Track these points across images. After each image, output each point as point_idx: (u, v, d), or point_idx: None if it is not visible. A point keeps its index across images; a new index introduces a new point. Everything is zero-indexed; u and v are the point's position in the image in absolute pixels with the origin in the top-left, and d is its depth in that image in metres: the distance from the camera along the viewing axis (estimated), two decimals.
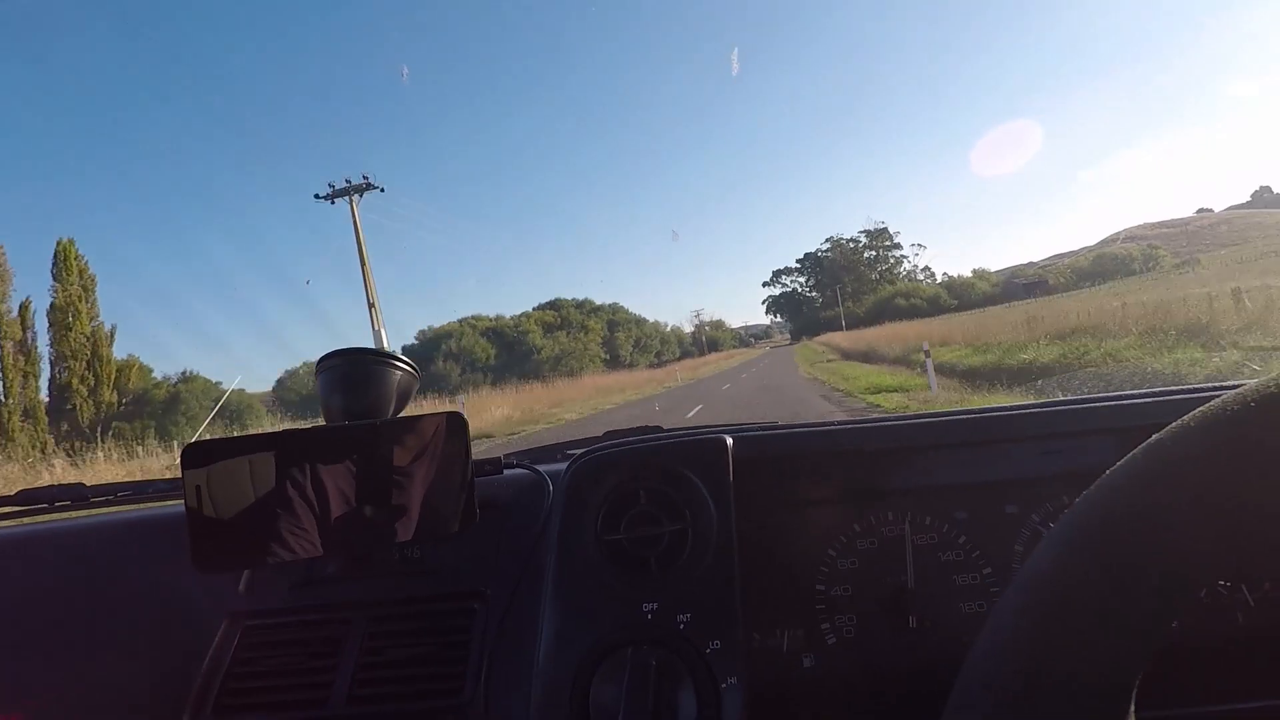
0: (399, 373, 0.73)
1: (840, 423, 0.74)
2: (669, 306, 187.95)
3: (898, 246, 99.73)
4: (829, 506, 0.68)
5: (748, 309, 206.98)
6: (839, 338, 52.97)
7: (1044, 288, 70.30)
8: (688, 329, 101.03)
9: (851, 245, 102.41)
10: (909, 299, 73.66)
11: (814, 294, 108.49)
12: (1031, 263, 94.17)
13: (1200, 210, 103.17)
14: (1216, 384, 0.74)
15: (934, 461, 0.68)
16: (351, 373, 0.71)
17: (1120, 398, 0.71)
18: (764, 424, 0.80)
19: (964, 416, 0.71)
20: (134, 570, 0.79)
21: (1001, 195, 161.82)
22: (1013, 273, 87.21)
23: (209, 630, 0.72)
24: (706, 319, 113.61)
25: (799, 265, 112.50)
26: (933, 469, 0.68)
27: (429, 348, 56.13)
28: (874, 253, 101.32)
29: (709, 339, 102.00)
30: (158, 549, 0.80)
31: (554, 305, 63.77)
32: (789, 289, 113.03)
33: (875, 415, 0.83)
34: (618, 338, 61.80)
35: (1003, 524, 0.67)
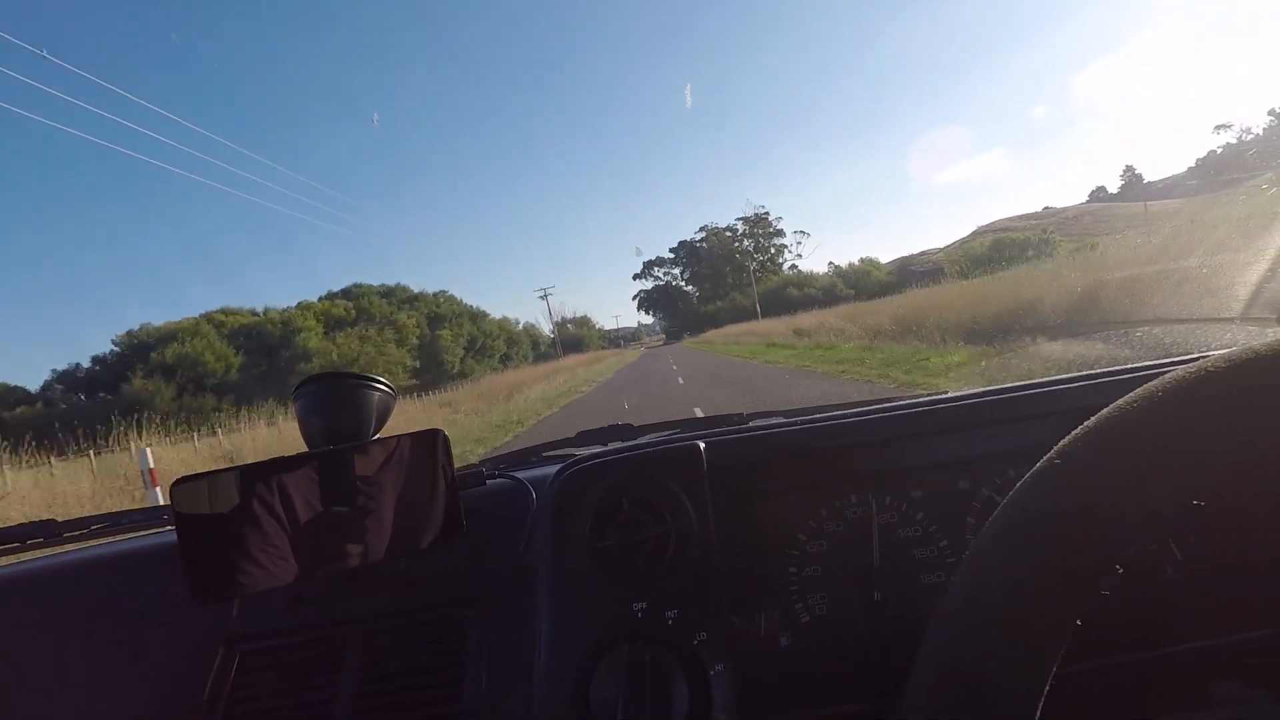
0: (377, 393, 0.75)
1: (803, 419, 0.79)
2: (532, 304, 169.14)
3: (779, 234, 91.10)
4: (796, 494, 0.72)
5: (619, 307, 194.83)
6: (729, 334, 45.63)
7: (940, 274, 63.56)
8: (547, 327, 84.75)
9: (729, 234, 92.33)
10: (802, 289, 63.81)
11: (690, 287, 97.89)
12: (925, 252, 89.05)
13: (1046, 208, 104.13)
14: (1148, 364, 0.79)
15: (891, 448, 0.73)
16: (331, 396, 0.73)
17: (1057, 382, 0.77)
18: (732, 420, 0.88)
19: (921, 408, 0.75)
20: (120, 607, 0.77)
21: (877, 190, 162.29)
22: (904, 262, 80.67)
23: (206, 660, 0.71)
24: (570, 315, 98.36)
25: (673, 256, 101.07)
26: (891, 454, 0.73)
27: (133, 357, 35.82)
28: (753, 241, 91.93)
29: (571, 338, 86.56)
30: (142, 582, 0.78)
31: (349, 294, 45.25)
32: (662, 282, 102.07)
33: (835, 407, 0.84)
34: (441, 337, 44.40)
35: (956, 499, 0.71)
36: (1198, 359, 0.31)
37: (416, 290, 48.01)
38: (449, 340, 44.78)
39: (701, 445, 0.70)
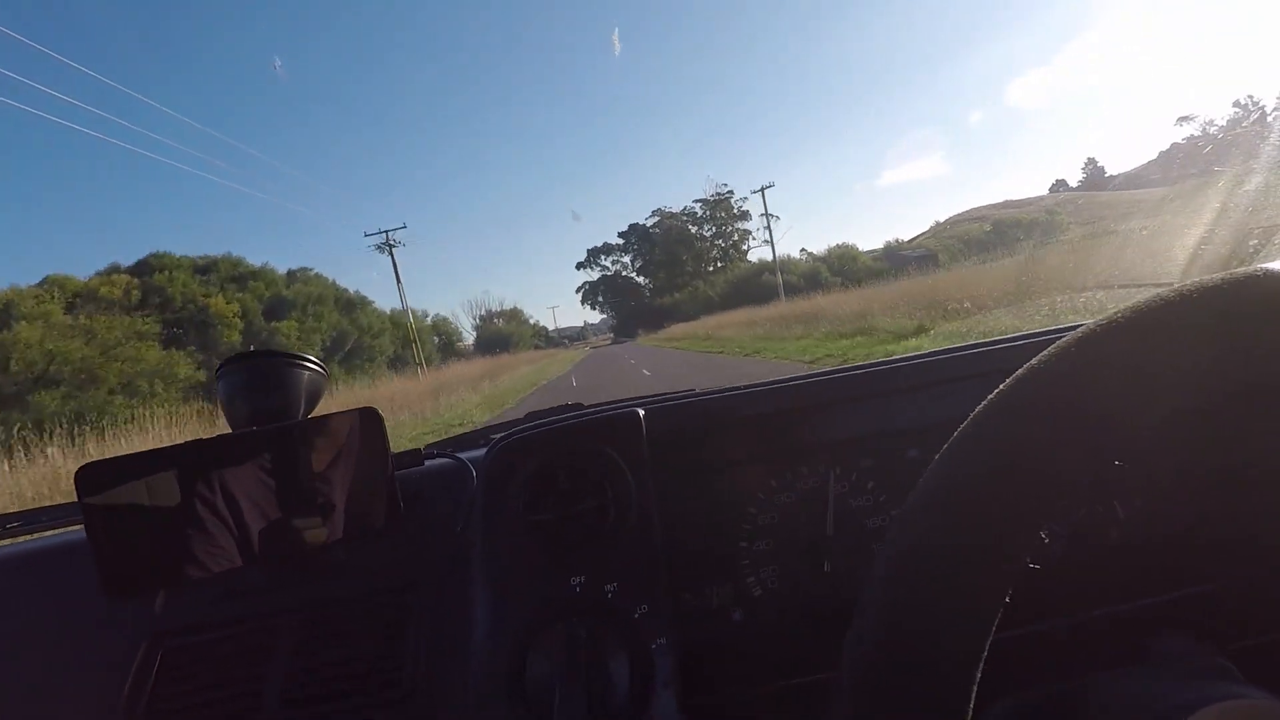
0: (307, 373, 0.72)
1: (747, 387, 0.77)
2: (457, 292, 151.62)
3: (744, 216, 79.45)
4: (745, 466, 0.71)
5: (562, 302, 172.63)
6: (708, 326, 37.53)
7: (934, 260, 53.28)
8: (468, 321, 70.03)
9: (685, 218, 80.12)
10: (779, 275, 52.04)
11: (642, 278, 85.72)
12: (897, 241, 79.11)
13: (1007, 200, 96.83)
14: (1066, 325, 0.78)
15: (839, 416, 0.72)
16: (257, 376, 0.70)
17: (991, 344, 0.77)
18: (680, 393, 0.84)
19: (861, 371, 0.75)
20: (34, 608, 0.74)
21: (828, 185, 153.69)
22: (892, 248, 70.25)
23: (127, 658, 0.68)
24: (496, 307, 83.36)
25: (622, 241, 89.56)
26: (839, 423, 0.72)
27: None
28: (714, 226, 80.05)
29: (496, 336, 71.46)
30: (58, 581, 0.75)
31: (143, 267, 30.04)
32: (610, 271, 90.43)
33: (781, 377, 0.80)
34: (280, 330, 29.75)
35: (905, 468, 0.70)
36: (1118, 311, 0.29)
37: (258, 265, 33.07)
38: (292, 335, 30.02)
39: (641, 412, 0.69)
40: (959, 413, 0.64)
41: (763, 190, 52.30)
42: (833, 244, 63.53)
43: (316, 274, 35.81)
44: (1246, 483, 0.65)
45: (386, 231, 37.84)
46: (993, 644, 0.26)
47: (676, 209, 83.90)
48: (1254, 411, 0.59)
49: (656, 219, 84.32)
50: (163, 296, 28.00)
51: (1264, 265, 0.26)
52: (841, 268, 57.57)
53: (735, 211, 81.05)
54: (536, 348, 68.31)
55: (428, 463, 0.77)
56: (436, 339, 49.20)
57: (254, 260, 33.81)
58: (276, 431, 0.63)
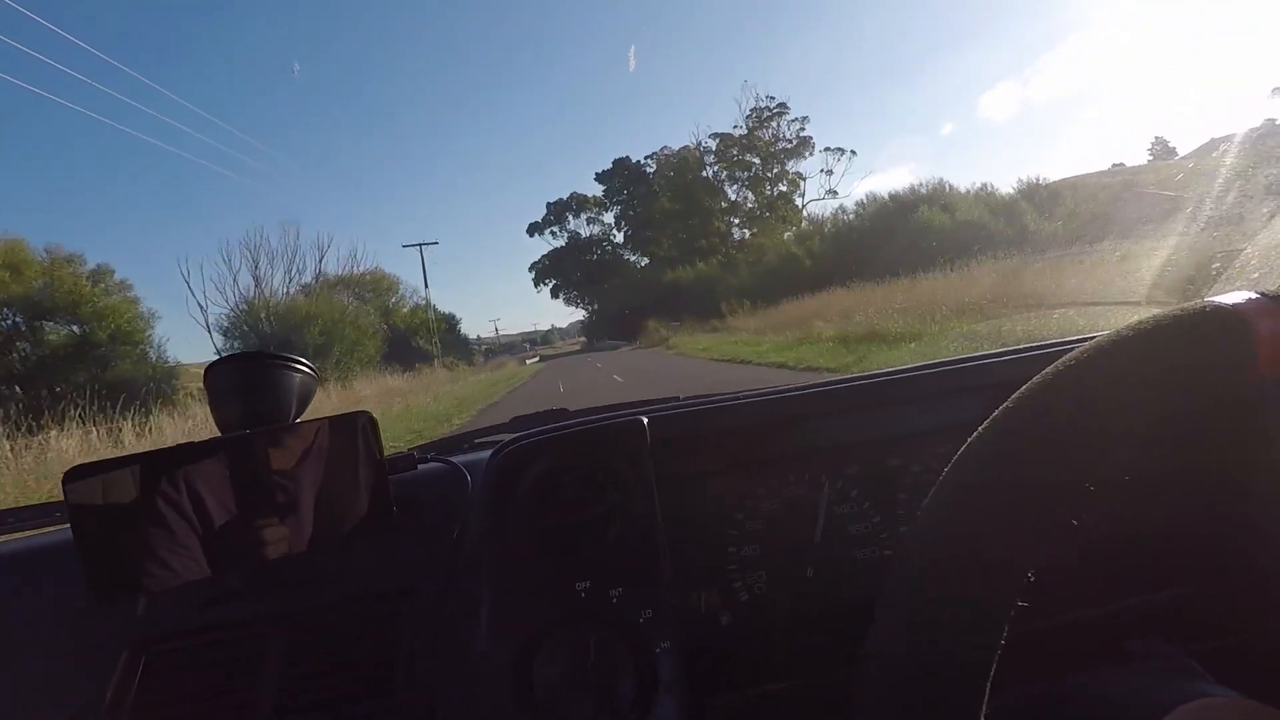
0: (299, 375, 0.71)
1: (736, 396, 0.80)
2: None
3: (802, 149, 50.49)
4: (736, 473, 0.72)
5: (501, 320, 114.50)
6: None
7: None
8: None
9: (708, 149, 50.98)
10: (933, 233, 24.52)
11: (634, 254, 55.47)
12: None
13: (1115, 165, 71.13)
14: (1065, 340, 0.82)
15: (825, 425, 0.74)
16: (247, 378, 0.69)
17: (982, 357, 0.80)
18: (667, 401, 0.88)
19: (850, 384, 0.78)
20: (8, 610, 0.72)
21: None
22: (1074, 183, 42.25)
23: (110, 665, 0.66)
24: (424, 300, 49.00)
25: (603, 190, 55.47)
26: (825, 432, 0.74)
27: None
28: (758, 161, 50.28)
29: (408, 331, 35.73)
30: (35, 583, 0.73)
31: None
32: (582, 238, 57.51)
33: (770, 387, 0.83)
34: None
35: (887, 476, 0.73)
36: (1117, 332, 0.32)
37: None
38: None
39: (645, 420, 0.70)
40: (938, 424, 0.69)
41: (836, 151, 26.69)
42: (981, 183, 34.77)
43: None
44: (1213, 491, 0.68)
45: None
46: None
47: (694, 142, 51.95)
48: (1216, 425, 0.62)
49: (662, 155, 52.85)
50: None
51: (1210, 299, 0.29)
52: (1020, 214, 29.78)
53: (788, 140, 49.43)
54: (452, 364, 34.63)
55: (420, 467, 0.77)
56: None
57: None
58: (268, 434, 0.63)
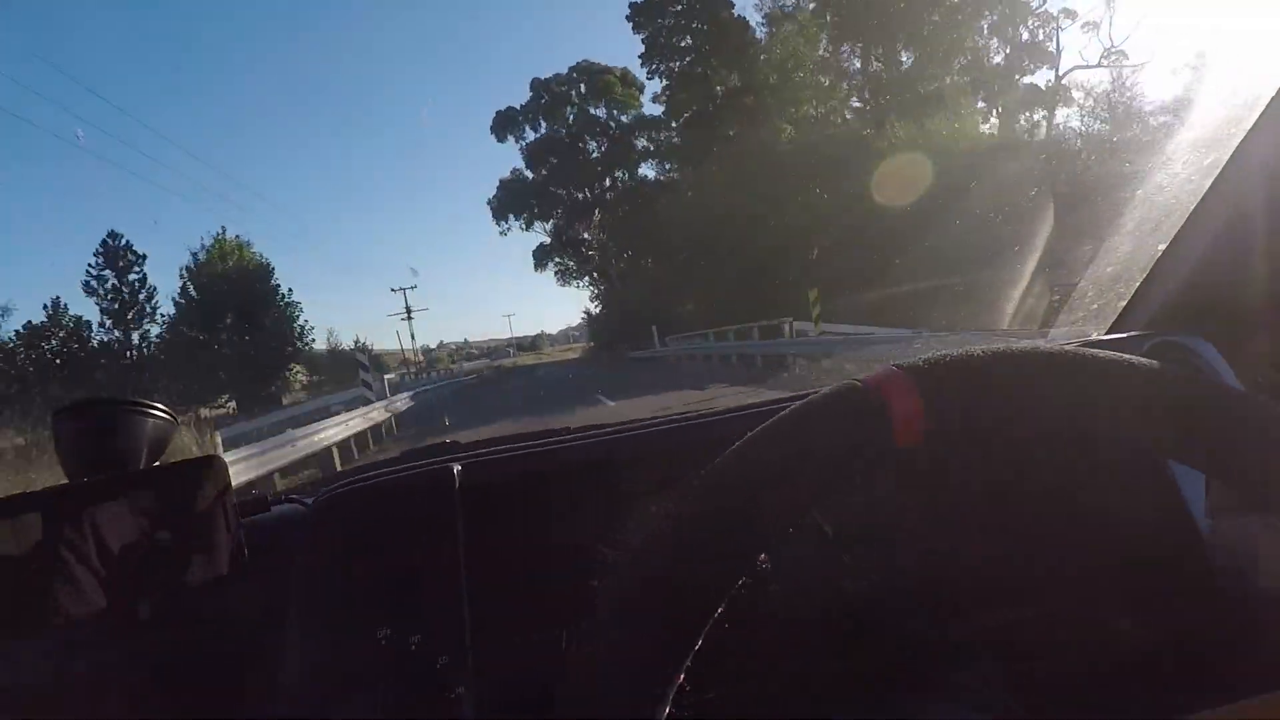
0: (150, 420, 0.70)
1: (566, 437, 0.84)
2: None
3: None
4: (564, 516, 0.73)
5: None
6: None
7: None
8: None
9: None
10: None
11: (675, 171, 30.63)
12: None
13: None
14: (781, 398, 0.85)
15: (633, 471, 0.74)
16: (95, 423, 0.68)
17: (736, 409, 0.82)
18: (558, 434, 0.91)
19: (657, 428, 0.80)
20: None
21: None
22: None
23: None
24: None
25: (640, 55, 29.43)
26: (633, 478, 0.74)
27: None
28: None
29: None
30: None
31: None
32: (562, 136, 34.33)
33: (591, 429, 0.88)
34: None
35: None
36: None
37: None
38: None
39: (456, 469, 0.72)
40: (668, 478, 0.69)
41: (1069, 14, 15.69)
42: None
43: None
44: (1028, 523, 0.70)
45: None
46: (807, 674, 0.30)
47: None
48: (1031, 458, 0.65)
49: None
50: None
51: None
52: None
53: None
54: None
55: (275, 509, 0.77)
56: None
57: None
58: (111, 482, 0.61)
